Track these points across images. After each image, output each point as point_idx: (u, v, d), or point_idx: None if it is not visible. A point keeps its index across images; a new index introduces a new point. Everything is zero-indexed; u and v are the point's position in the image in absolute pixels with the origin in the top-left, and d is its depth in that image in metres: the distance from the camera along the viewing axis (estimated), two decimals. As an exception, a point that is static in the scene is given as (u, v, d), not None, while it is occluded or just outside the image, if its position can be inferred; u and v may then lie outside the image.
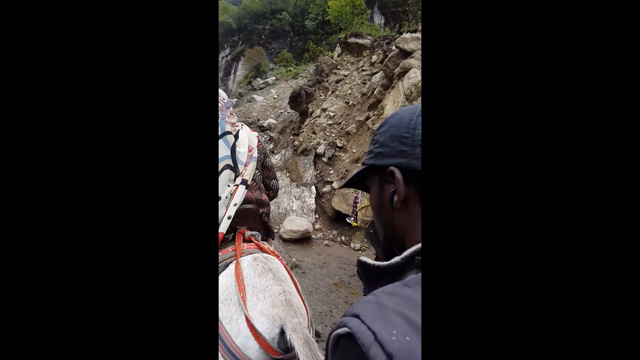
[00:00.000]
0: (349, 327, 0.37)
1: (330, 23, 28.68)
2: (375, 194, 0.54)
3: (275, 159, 10.31)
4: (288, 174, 8.91)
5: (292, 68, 23.35)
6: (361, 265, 0.50)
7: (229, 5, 33.80)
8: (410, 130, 0.50)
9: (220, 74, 30.61)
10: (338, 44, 11.63)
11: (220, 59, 31.45)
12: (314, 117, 9.61)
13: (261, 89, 21.60)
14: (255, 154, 1.57)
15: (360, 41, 10.33)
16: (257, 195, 1.56)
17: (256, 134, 1.68)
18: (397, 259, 0.46)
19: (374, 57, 9.51)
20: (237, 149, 1.48)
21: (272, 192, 1.77)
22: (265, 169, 1.71)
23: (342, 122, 8.95)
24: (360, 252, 6.40)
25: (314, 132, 9.24)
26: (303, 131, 9.75)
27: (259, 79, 23.06)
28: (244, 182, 1.47)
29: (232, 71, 29.65)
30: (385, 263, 0.46)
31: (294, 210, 7.92)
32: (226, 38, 31.29)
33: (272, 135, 12.65)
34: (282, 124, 13.00)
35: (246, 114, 17.61)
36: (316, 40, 26.44)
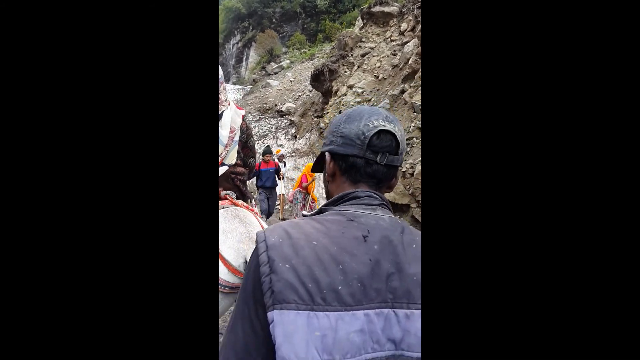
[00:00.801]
0: (256, 234, 0.57)
1: (343, 1, 27.26)
2: (323, 171, 0.71)
3: (299, 144, 9.47)
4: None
5: (306, 50, 22.23)
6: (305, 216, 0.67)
7: (238, -10, 32.55)
8: (337, 127, 0.66)
9: (232, 62, 29.74)
10: (360, 16, 10.51)
11: (231, 46, 30.48)
12: (340, 96, 8.67)
13: (275, 73, 20.63)
14: (237, 137, 1.62)
15: (386, 9, 9.21)
16: (233, 167, 1.71)
17: (243, 112, 1.69)
18: (315, 210, 0.65)
19: (404, 25, 8.41)
20: (218, 129, 1.52)
21: (248, 169, 1.86)
22: (245, 148, 1.79)
23: (373, 99, 7.99)
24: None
25: (340, 112, 8.34)
26: (328, 112, 8.83)
27: (272, 63, 22.06)
28: (223, 165, 1.60)
29: (244, 58, 28.67)
30: (311, 212, 0.66)
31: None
32: (236, 24, 30.19)
33: (292, 119, 11.81)
34: (302, 107, 12.11)
35: (262, 99, 16.77)
36: (329, 19, 25.09)
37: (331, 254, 0.52)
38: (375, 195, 0.61)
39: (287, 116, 13.03)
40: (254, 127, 13.25)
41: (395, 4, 9.42)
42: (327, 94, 9.48)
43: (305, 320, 0.47)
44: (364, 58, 8.96)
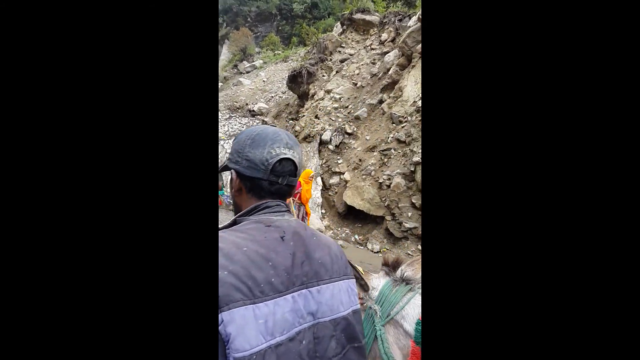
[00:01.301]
0: None
1: (319, 7, 27.21)
2: (231, 183, 0.77)
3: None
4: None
5: (280, 52, 21.82)
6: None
7: (213, -16, 31.34)
8: (242, 149, 0.72)
9: (203, 57, 28.46)
10: (339, 22, 10.36)
11: (203, 40, 29.19)
12: (317, 100, 8.41)
13: (248, 72, 20.00)
14: None
15: (367, 17, 9.13)
16: None
17: None
18: (229, 221, 0.71)
19: (384, 35, 8.36)
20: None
21: None
22: None
23: (350, 106, 7.81)
24: (379, 254, 5.38)
25: (316, 117, 8.06)
26: (304, 115, 8.54)
27: (245, 62, 21.41)
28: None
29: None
30: (227, 223, 0.70)
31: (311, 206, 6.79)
32: (209, 19, 29.03)
33: (265, 120, 11.36)
34: (276, 108, 11.70)
35: (233, 98, 16.12)
36: (305, 24, 24.90)
37: (261, 254, 0.61)
38: (282, 204, 0.73)
39: (259, 116, 12.55)
40: (223, 125, 12.62)
41: (376, 13, 9.38)
42: (304, 97, 9.18)
43: (252, 312, 0.56)
44: (343, 64, 8.79)
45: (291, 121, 9.23)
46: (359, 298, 1.02)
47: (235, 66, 21.55)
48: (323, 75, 8.93)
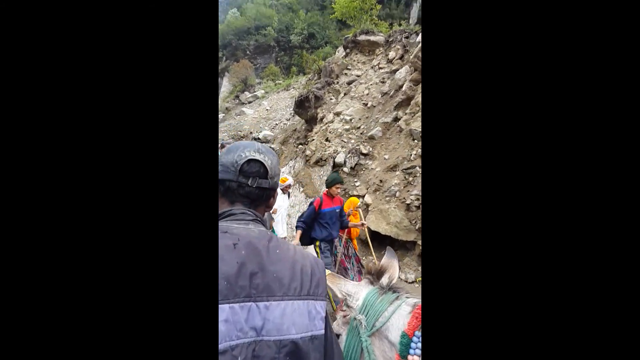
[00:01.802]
0: None
1: (316, 37, 27.77)
2: None
3: (282, 173, 8.64)
4: (302, 189, 7.23)
5: (281, 81, 21.95)
6: None
7: (212, 22, 32.28)
8: (220, 157, 0.74)
9: (205, 91, 28.76)
10: (342, 46, 10.22)
11: (204, 75, 29.61)
12: (326, 123, 8.05)
13: (250, 102, 19.98)
14: None
15: (372, 38, 8.96)
16: None
17: None
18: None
19: (392, 54, 8.11)
20: None
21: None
22: None
23: (362, 126, 7.42)
24: (415, 284, 4.76)
25: (327, 140, 7.65)
26: (313, 139, 8.14)
27: (247, 92, 21.46)
28: None
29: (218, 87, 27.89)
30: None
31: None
32: (210, 54, 29.59)
33: (272, 146, 11.03)
34: (283, 134, 11.38)
35: (237, 127, 15.95)
36: (301, 54, 25.27)
37: (220, 259, 0.60)
38: (249, 212, 0.73)
39: (265, 144, 12.21)
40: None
41: (380, 33, 9.22)
42: (312, 121, 8.84)
43: (225, 313, 0.56)
44: (350, 85, 8.51)
45: (300, 146, 8.84)
46: (342, 310, 1.01)
47: (237, 97, 21.60)
48: (331, 99, 8.63)
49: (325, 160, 7.28)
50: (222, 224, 0.67)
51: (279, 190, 4.30)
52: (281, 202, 4.66)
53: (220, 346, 0.54)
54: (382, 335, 0.89)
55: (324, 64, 9.82)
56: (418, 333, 0.80)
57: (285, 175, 5.23)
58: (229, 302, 0.57)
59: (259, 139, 13.12)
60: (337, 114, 7.96)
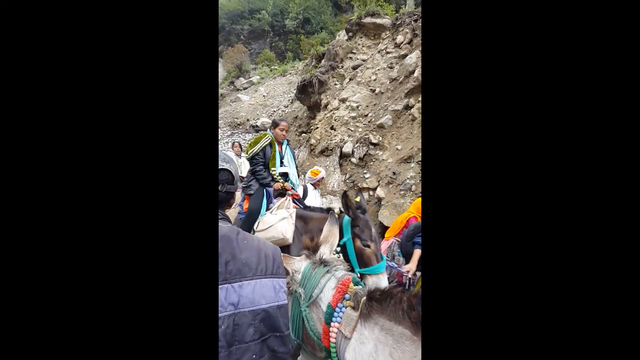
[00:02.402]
0: None
1: (311, 22, 26.77)
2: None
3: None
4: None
5: (277, 67, 21.13)
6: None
7: (204, 4, 30.85)
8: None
9: (198, 76, 27.70)
10: (345, 29, 9.61)
11: (197, 60, 28.49)
12: (331, 110, 7.55)
13: (245, 88, 19.22)
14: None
15: (378, 21, 8.38)
16: None
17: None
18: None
19: (400, 38, 7.58)
20: None
21: None
22: None
23: (370, 114, 6.95)
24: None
25: (332, 128, 7.18)
26: (317, 127, 7.65)
27: (242, 78, 20.64)
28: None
29: (211, 73, 26.74)
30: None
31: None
32: (202, 38, 28.37)
33: (271, 134, 10.48)
34: (281, 122, 10.84)
35: (233, 114, 15.30)
36: (296, 40, 24.36)
37: None
38: (219, 213, 0.88)
39: (263, 131, 11.66)
40: (226, 142, 11.72)
41: (387, 16, 8.64)
42: (315, 108, 8.33)
43: None
44: (356, 70, 7.98)
45: (303, 134, 8.34)
46: (288, 284, 1.08)
47: (232, 83, 20.77)
48: (335, 84, 8.10)
49: (331, 149, 6.82)
50: None
51: (309, 186, 3.81)
52: (313, 199, 3.78)
53: None
54: (318, 305, 1.01)
55: (328, 47, 9.23)
56: (340, 304, 0.93)
57: (318, 167, 4.44)
58: None
59: (256, 126, 12.53)
60: (343, 101, 7.47)
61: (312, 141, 7.31)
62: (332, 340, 0.92)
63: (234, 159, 5.35)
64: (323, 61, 9.13)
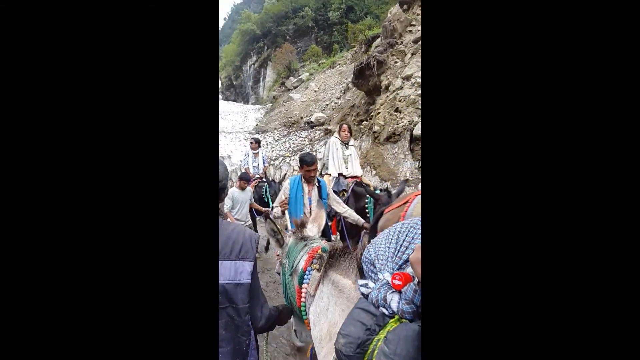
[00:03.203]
0: None
1: (355, 10, 25.72)
2: None
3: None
4: (374, 171, 6.04)
5: (324, 60, 20.58)
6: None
7: (252, 13, 31.55)
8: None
9: (250, 83, 28.48)
10: (399, 1, 8.56)
11: (248, 67, 29.31)
12: (393, 91, 6.67)
13: (295, 87, 18.97)
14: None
15: (438, -18, 7.21)
16: None
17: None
18: None
19: (468, -5, 6.37)
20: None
21: None
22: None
23: (442, 88, 5.94)
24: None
25: (397, 110, 6.30)
26: (379, 112, 6.83)
27: (291, 78, 20.46)
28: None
29: (261, 78, 27.25)
30: None
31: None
32: (251, 46, 28.99)
33: (329, 128, 9.91)
34: (339, 113, 10.19)
35: (287, 114, 15.09)
36: (342, 30, 23.48)
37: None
38: None
39: (318, 127, 11.14)
40: (284, 142, 11.47)
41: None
42: (373, 92, 7.51)
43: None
44: (417, 44, 6.97)
45: (364, 122, 7.57)
46: (277, 255, 1.33)
47: (282, 84, 20.75)
48: (396, 62, 7.19)
49: (399, 134, 5.98)
50: None
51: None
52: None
53: None
54: (297, 273, 1.14)
55: (383, 24, 8.31)
56: (309, 268, 1.08)
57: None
58: (222, 260, 0.99)
59: (311, 122, 12.09)
60: (407, 78, 6.54)
61: (376, 128, 6.52)
62: (302, 299, 1.08)
63: (250, 154, 5.38)
64: (378, 41, 8.24)
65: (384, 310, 0.70)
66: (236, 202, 4.05)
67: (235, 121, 17.35)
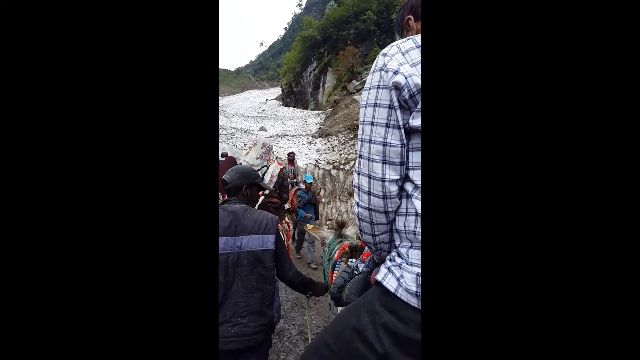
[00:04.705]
0: None
1: (421, 10, 24.18)
2: None
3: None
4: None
5: (389, 62, 19.41)
6: None
7: (313, 20, 31.58)
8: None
9: (310, 89, 28.28)
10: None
11: (308, 73, 29.17)
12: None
13: (358, 90, 18.10)
14: (275, 179, 2.85)
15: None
16: (269, 198, 2.95)
17: (280, 167, 2.97)
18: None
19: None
20: (265, 176, 2.83)
21: (282, 200, 3.14)
22: (281, 187, 3.10)
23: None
24: None
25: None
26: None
27: (354, 81, 19.64)
28: (264, 194, 2.84)
29: (321, 83, 26.87)
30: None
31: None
32: (312, 52, 28.83)
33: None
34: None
35: (351, 117, 14.26)
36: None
37: (220, 219, 1.42)
38: (234, 200, 1.55)
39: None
40: (352, 145, 10.66)
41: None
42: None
43: (223, 240, 1.40)
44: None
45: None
46: (322, 245, 2.45)
47: (344, 88, 20.05)
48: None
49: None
50: (223, 205, 1.50)
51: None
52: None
53: (221, 252, 1.36)
54: (332, 261, 1.97)
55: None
56: (339, 260, 1.85)
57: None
58: (224, 237, 1.39)
59: (381, 124, 11.13)
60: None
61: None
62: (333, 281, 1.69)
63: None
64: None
65: (356, 272, 1.59)
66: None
67: (297, 126, 17.02)
